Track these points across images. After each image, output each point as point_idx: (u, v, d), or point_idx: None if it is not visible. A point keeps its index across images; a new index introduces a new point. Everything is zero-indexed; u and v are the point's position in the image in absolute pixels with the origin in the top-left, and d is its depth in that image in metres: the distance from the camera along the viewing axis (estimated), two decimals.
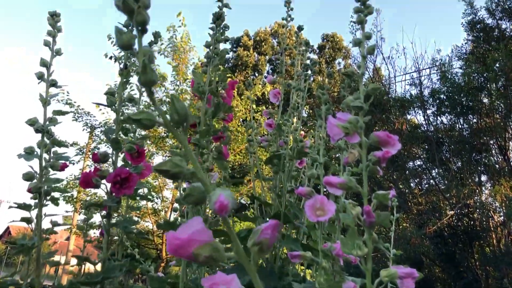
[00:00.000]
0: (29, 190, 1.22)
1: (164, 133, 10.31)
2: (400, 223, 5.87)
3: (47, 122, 1.27)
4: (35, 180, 1.23)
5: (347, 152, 1.60)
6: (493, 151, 7.17)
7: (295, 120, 1.88)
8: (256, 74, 18.21)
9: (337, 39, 18.56)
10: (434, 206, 5.93)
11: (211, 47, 1.41)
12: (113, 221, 1.36)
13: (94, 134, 10.50)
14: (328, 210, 1.23)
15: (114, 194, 1.22)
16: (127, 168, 1.25)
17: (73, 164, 9.70)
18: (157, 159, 10.99)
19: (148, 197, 1.48)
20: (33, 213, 1.27)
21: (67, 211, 10.04)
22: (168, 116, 0.43)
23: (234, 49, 18.85)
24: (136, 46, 0.42)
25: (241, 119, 10.66)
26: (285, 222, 1.55)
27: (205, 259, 0.43)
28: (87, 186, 1.24)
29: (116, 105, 1.31)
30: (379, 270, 0.87)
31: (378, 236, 0.94)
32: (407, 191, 6.31)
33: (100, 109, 9.82)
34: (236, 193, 8.52)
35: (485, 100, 7.19)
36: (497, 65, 5.87)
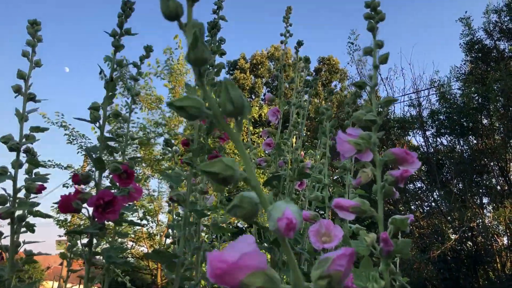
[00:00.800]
0: (0, 216, 1.08)
1: (160, 155, 10.17)
2: None
3: (24, 140, 1.15)
4: (7, 204, 1.10)
5: (353, 172, 1.49)
6: (494, 173, 7.06)
7: (294, 139, 1.76)
8: (253, 97, 18.19)
9: (333, 62, 18.61)
10: (436, 229, 5.77)
11: None
12: (99, 249, 1.22)
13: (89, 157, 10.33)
14: (334, 236, 1.11)
15: (96, 219, 1.09)
16: (112, 191, 1.12)
17: (67, 187, 9.48)
18: (153, 182, 10.84)
19: (138, 221, 1.34)
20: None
21: (60, 236, 9.78)
22: (219, 106, 0.35)
23: (231, 72, 18.89)
24: (184, 16, 0.35)
25: None
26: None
27: None
28: (67, 211, 1.10)
29: (100, 120, 1.19)
30: None
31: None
32: (408, 213, 6.15)
33: (96, 131, 9.69)
34: (232, 217, 8.33)
35: (485, 121, 7.11)
36: (498, 85, 5.81)
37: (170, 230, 1.65)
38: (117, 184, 1.23)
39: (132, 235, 10.45)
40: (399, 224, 0.83)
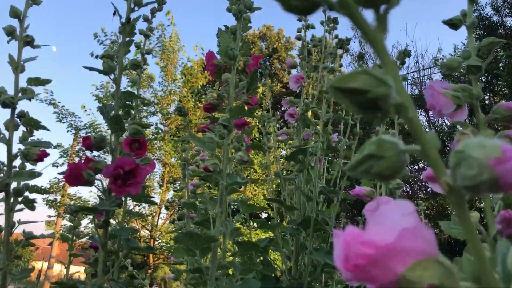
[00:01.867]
0: None
1: (152, 135, 9.92)
2: None
3: (20, 94, 0.90)
4: (1, 174, 0.86)
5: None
6: None
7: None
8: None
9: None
10: (440, 210, 5.65)
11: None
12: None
13: (79, 136, 10.01)
14: None
15: (114, 193, 0.86)
16: (132, 158, 0.89)
17: (57, 167, 9.17)
18: None
19: (151, 200, 1.12)
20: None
21: (49, 216, 9.50)
22: None
23: None
24: None
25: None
26: (315, 230, 1.28)
27: None
28: (76, 183, 0.86)
29: (115, 72, 0.94)
30: None
31: None
32: (410, 193, 6.02)
33: (85, 110, 9.36)
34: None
35: (487, 102, 6.96)
36: (503, 63, 5.63)
37: (185, 210, 1.43)
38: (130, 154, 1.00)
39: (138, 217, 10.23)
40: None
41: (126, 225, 1.15)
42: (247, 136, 1.22)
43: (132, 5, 0.99)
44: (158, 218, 10.50)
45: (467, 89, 0.69)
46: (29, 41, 0.93)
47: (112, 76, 0.93)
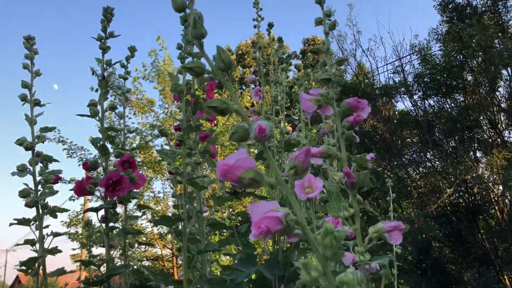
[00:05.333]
0: (27, 205, 1.27)
1: (160, 157, 10.32)
2: (404, 209, 5.92)
3: (36, 140, 1.33)
4: (31, 195, 1.28)
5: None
6: (484, 127, 7.26)
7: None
8: (244, 87, 18.33)
9: (318, 42, 18.77)
10: (433, 187, 5.98)
11: (182, 48, 1.47)
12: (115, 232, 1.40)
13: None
14: (316, 187, 1.29)
15: (108, 197, 1.27)
16: (118, 172, 1.30)
17: (73, 200, 9.69)
18: (156, 184, 10.97)
19: (148, 224, 1.54)
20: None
21: (73, 249, 9.98)
22: (215, 64, 0.52)
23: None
24: (187, 10, 0.55)
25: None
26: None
27: (250, 181, 0.51)
28: (82, 193, 1.29)
29: (99, 114, 1.36)
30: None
31: (378, 219, 0.99)
32: (406, 176, 6.36)
33: (92, 138, 9.80)
34: (239, 206, 8.54)
35: (469, 78, 7.29)
36: (473, 40, 5.98)
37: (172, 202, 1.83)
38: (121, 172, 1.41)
39: (144, 238, 10.63)
40: (359, 161, 1.00)
41: (131, 228, 1.55)
42: (212, 146, 1.62)
43: (105, 66, 1.41)
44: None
45: (325, 93, 1.08)
46: (37, 103, 1.35)
47: (97, 118, 1.36)
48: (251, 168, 0.51)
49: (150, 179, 10.37)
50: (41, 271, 1.29)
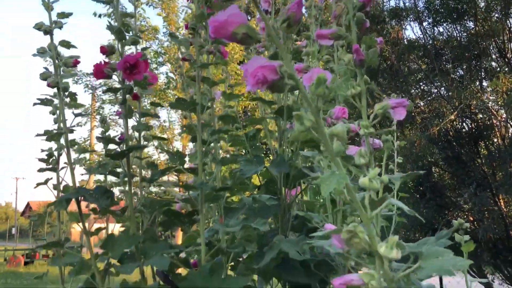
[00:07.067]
0: (49, 85, 1.33)
1: (165, 85, 10.34)
2: (406, 135, 6.01)
3: (53, 24, 1.37)
4: (52, 77, 1.34)
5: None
6: (493, 56, 7.17)
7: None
8: (249, 18, 17.93)
9: None
10: (437, 112, 6.04)
11: None
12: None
13: (96, 95, 10.57)
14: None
15: (126, 80, 1.33)
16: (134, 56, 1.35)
17: (81, 126, 9.83)
18: (162, 113, 11.03)
19: (155, 149, 1.60)
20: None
21: (82, 174, 10.25)
22: None
23: None
24: None
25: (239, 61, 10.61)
26: (289, 117, 1.65)
27: (243, 36, 0.51)
28: (100, 76, 1.34)
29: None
30: None
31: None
32: (408, 100, 6.34)
33: None
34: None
35: (482, 4, 7.10)
36: None
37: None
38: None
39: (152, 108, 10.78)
40: (368, 42, 1.03)
41: (144, 122, 1.62)
42: (222, 47, 1.66)
43: None
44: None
45: None
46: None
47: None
48: (243, 24, 0.50)
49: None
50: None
